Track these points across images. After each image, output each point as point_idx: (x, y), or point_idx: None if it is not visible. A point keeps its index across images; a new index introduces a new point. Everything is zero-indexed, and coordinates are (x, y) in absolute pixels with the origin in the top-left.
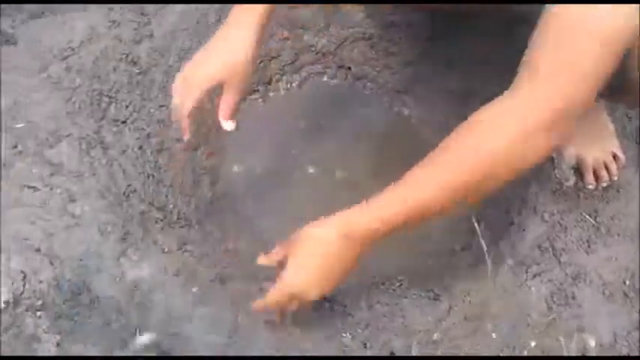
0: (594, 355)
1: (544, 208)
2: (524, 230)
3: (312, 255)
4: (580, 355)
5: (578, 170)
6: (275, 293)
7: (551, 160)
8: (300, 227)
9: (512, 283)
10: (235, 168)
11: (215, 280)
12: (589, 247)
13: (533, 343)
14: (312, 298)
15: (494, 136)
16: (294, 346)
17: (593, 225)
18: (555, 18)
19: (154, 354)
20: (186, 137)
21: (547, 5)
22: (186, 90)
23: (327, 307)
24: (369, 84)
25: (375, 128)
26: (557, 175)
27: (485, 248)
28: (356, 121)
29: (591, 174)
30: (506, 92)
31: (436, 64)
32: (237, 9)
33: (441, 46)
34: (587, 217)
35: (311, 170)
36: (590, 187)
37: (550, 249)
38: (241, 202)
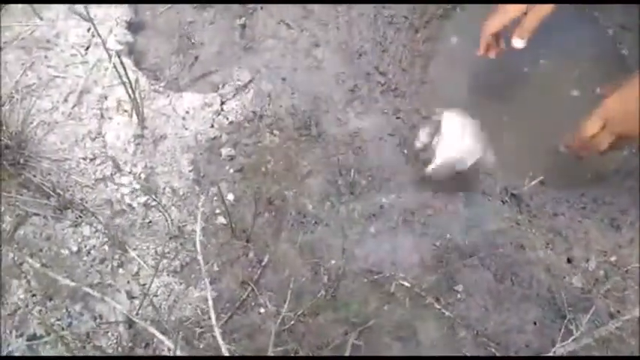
0: None
1: None
2: None
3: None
4: None
5: None
6: (592, 120)
7: None
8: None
9: None
10: (453, 40)
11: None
12: None
13: None
14: (618, 130)
15: None
16: (481, 223)
17: None
18: None
19: (366, 192)
20: (479, 53)
21: None
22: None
23: (514, 202)
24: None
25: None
26: None
27: None
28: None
29: None
30: None
31: None
32: None
33: None
34: None
35: None
36: None
37: None
38: (450, 89)
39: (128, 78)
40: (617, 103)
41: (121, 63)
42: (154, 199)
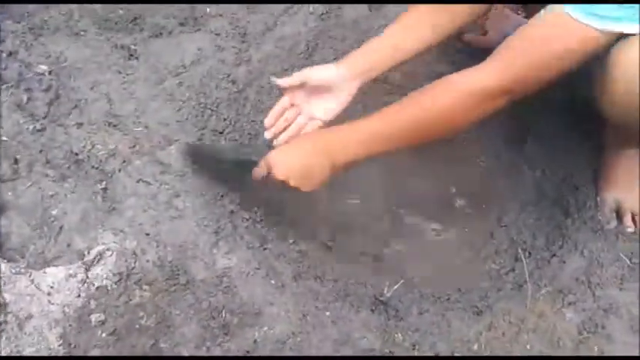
0: None
1: (584, 246)
2: (564, 263)
3: (295, 148)
4: None
5: (619, 214)
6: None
7: (595, 202)
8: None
9: (549, 309)
10: None
11: (290, 276)
12: (622, 284)
13: None
14: (282, 176)
15: (449, 93)
16: (350, 339)
17: (629, 265)
18: (537, 22)
19: (238, 330)
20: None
21: (542, 10)
22: None
23: (382, 309)
24: None
25: None
26: (600, 218)
27: (527, 274)
28: None
29: (630, 218)
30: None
31: None
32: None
33: None
34: (624, 257)
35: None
36: (629, 230)
37: (586, 282)
38: (312, 211)
39: None
40: (280, 153)
41: None
42: None
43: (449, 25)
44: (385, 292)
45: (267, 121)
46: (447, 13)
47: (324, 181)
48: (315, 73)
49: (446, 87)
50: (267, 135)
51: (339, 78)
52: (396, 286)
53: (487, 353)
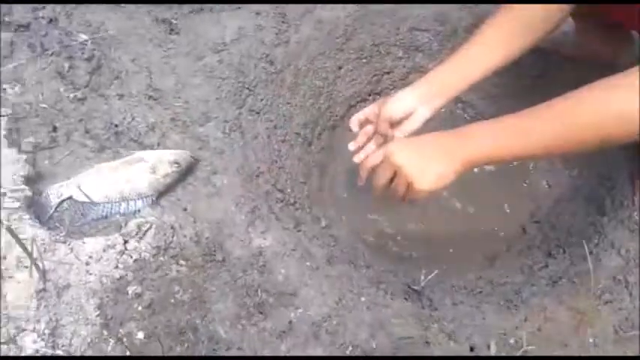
0: None
1: (621, 244)
2: (600, 261)
3: (418, 139)
4: None
5: None
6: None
7: (632, 202)
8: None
9: (585, 306)
10: (340, 165)
11: (324, 259)
12: None
13: None
14: (398, 162)
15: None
16: (386, 325)
17: None
18: None
19: (274, 310)
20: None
21: None
22: None
23: (415, 298)
24: (469, 109)
25: None
26: (637, 216)
27: (590, 265)
28: None
29: None
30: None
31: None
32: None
33: (544, 84)
34: None
35: None
36: None
37: (623, 281)
38: (344, 196)
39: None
40: (401, 141)
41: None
42: None
43: (528, 40)
44: (421, 280)
45: (352, 147)
46: (527, 28)
47: (443, 180)
48: (394, 108)
49: (600, 97)
50: (357, 159)
51: (415, 105)
52: (430, 276)
53: (525, 348)
